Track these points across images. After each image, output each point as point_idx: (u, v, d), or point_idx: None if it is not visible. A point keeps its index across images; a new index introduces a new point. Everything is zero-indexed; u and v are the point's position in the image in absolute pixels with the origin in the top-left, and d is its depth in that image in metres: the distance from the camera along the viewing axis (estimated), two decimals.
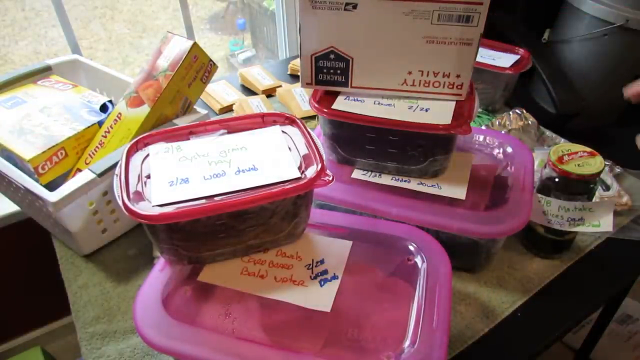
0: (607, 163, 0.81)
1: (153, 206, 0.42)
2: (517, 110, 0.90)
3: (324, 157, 0.47)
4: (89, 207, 0.62)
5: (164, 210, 0.41)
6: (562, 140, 0.89)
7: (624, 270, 0.66)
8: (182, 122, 0.68)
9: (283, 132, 0.52)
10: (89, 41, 2.80)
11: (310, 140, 0.49)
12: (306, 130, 0.51)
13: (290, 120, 0.53)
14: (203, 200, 0.42)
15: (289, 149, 0.49)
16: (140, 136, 0.51)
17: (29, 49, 2.64)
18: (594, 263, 0.66)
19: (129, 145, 0.49)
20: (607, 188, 0.73)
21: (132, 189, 0.44)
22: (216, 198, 0.43)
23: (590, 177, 0.58)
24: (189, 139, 0.51)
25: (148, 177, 0.46)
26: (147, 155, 0.49)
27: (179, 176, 0.45)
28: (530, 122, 0.88)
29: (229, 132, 0.52)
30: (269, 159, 0.47)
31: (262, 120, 0.54)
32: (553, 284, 0.63)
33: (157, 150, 0.49)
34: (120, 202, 0.42)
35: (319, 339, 0.44)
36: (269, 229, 0.48)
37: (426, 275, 0.48)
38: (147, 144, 0.50)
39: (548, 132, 0.91)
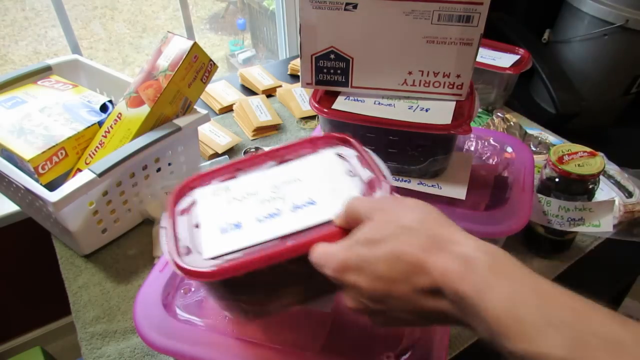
0: (610, 166, 0.81)
1: (205, 259, 0.37)
2: (498, 114, 0.90)
3: (390, 180, 0.41)
4: (89, 207, 0.62)
5: (217, 264, 0.36)
6: (548, 137, 0.89)
7: (624, 270, 0.66)
8: (182, 122, 0.68)
9: (338, 155, 0.46)
10: (89, 41, 2.80)
11: (371, 161, 0.44)
12: (363, 150, 0.46)
13: (342, 141, 0.48)
14: (258, 248, 0.37)
15: (348, 174, 0.44)
16: (184, 181, 0.45)
17: (29, 49, 2.64)
18: (594, 263, 0.66)
19: (174, 193, 0.44)
20: (630, 195, 0.73)
21: (182, 243, 0.39)
22: (272, 244, 0.37)
23: (590, 177, 0.58)
24: (236, 177, 0.46)
25: (197, 226, 0.41)
26: (194, 201, 0.44)
27: (230, 221, 0.40)
28: (512, 123, 0.88)
29: (278, 163, 0.47)
30: (327, 189, 0.42)
31: (312, 145, 0.48)
32: None
33: (205, 194, 0.44)
34: (170, 260, 0.38)
35: (319, 339, 0.44)
36: None
37: None
38: (193, 187, 0.45)
39: (531, 131, 0.91)
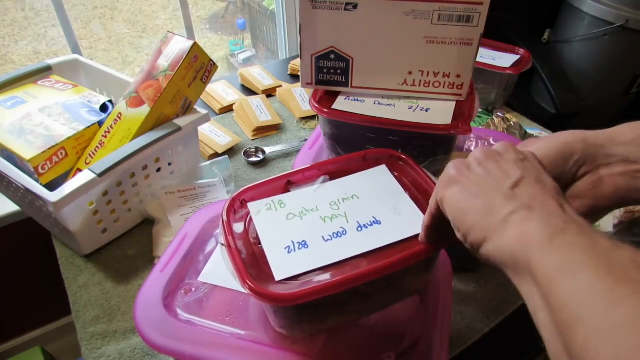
0: None
1: (278, 281, 0.36)
2: (498, 114, 0.90)
3: None
4: (89, 207, 0.62)
5: (295, 286, 0.35)
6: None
7: None
8: (182, 122, 0.68)
9: (392, 171, 0.46)
10: (89, 41, 2.80)
11: (428, 179, 0.44)
12: (418, 167, 0.46)
13: (395, 157, 0.48)
14: (333, 271, 0.37)
15: (406, 191, 0.44)
16: (235, 194, 0.44)
17: (29, 49, 2.64)
18: None
19: (227, 208, 0.43)
20: None
21: (248, 263, 0.38)
22: (346, 265, 0.37)
23: None
24: (289, 191, 0.45)
25: (256, 240, 0.40)
26: (249, 215, 0.42)
27: (295, 239, 0.39)
28: (512, 123, 0.88)
29: (330, 178, 0.46)
30: (389, 207, 0.42)
31: (364, 160, 0.48)
32: None
33: (259, 209, 0.43)
34: (241, 282, 0.36)
35: (319, 339, 0.44)
36: (399, 289, 0.44)
37: None
38: (244, 201, 0.44)
39: (531, 131, 0.91)
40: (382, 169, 0.46)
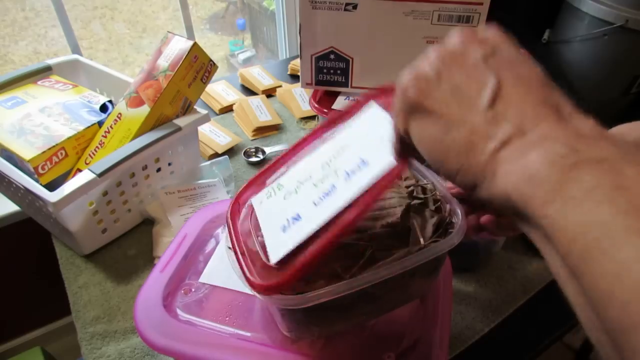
0: None
1: (274, 265, 0.34)
2: None
3: None
4: (89, 207, 0.62)
5: (286, 267, 0.34)
6: None
7: None
8: (182, 122, 0.68)
9: (381, 107, 0.40)
10: (89, 41, 2.80)
11: None
12: None
13: (384, 90, 0.41)
14: (323, 233, 0.34)
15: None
16: (236, 194, 0.43)
17: (29, 49, 2.64)
18: None
19: (231, 210, 0.41)
20: None
21: (256, 264, 0.36)
22: (337, 220, 0.34)
23: None
24: (286, 172, 0.42)
25: (262, 238, 0.38)
26: (252, 212, 0.40)
27: (289, 216, 0.36)
28: None
29: (324, 141, 0.43)
30: (377, 143, 0.36)
31: (353, 109, 0.43)
32: (553, 284, 0.63)
33: (260, 200, 0.41)
34: (247, 285, 0.35)
35: (319, 339, 0.44)
36: (408, 289, 0.43)
37: None
38: (246, 197, 0.42)
39: None
40: (370, 106, 0.41)
